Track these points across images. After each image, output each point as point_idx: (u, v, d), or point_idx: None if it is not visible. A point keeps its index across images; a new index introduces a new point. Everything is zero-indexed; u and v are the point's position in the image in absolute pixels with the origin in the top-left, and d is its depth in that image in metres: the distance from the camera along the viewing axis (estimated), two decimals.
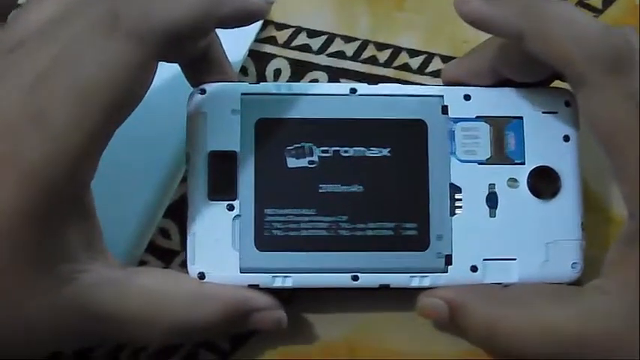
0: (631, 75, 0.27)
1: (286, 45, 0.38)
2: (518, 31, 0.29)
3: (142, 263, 0.35)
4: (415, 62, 0.38)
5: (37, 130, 0.26)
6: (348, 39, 0.39)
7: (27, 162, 0.26)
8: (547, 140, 0.32)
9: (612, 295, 0.28)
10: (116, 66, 0.26)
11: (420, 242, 0.32)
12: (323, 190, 0.31)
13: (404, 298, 0.32)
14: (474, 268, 0.31)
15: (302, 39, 0.39)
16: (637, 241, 0.28)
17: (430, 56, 0.38)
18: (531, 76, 0.31)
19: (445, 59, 0.37)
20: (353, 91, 0.32)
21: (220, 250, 0.31)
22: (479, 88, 0.32)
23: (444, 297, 0.30)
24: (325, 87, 0.33)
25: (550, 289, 0.30)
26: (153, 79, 0.28)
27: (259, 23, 0.37)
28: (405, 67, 0.38)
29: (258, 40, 0.38)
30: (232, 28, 0.30)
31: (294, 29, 0.39)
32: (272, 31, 0.38)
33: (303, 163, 0.32)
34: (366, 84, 0.32)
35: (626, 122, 0.28)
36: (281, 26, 0.38)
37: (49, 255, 0.27)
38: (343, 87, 0.32)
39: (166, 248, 0.35)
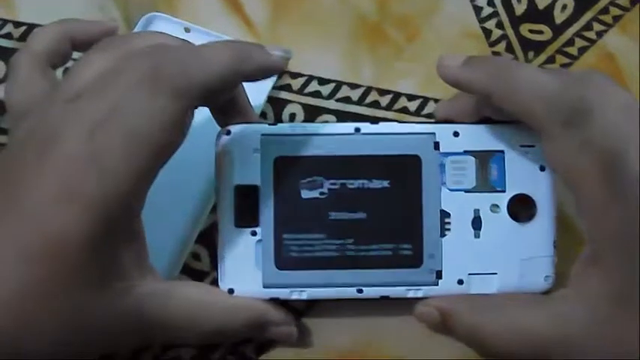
0: (585, 126, 0.29)
1: (300, 91, 0.41)
2: (488, 92, 0.32)
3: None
4: (413, 105, 0.41)
5: (96, 170, 0.28)
6: (353, 86, 0.41)
7: (88, 197, 0.28)
8: (525, 171, 0.34)
9: (575, 303, 0.30)
10: (160, 117, 0.29)
11: (415, 260, 0.34)
12: (332, 217, 0.34)
13: (403, 307, 0.34)
14: (460, 282, 0.34)
15: (314, 86, 0.41)
16: (594, 261, 0.30)
17: (426, 100, 0.40)
18: (507, 117, 0.33)
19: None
20: (357, 130, 0.34)
21: (246, 269, 0.34)
22: (466, 125, 0.34)
23: (436, 305, 0.33)
24: (333, 127, 0.35)
25: (524, 297, 0.33)
26: (190, 124, 0.30)
27: (287, 61, 0.38)
28: (404, 110, 0.41)
29: (275, 87, 0.40)
30: (255, 81, 0.32)
31: (306, 78, 0.41)
32: (287, 80, 0.41)
33: (315, 194, 0.34)
34: (368, 123, 0.34)
35: (581, 167, 0.30)
36: (295, 75, 0.41)
37: (106, 274, 0.29)
38: (349, 127, 0.34)
39: (198, 269, 0.38)
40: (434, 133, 0.34)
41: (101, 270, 0.29)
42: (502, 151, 0.34)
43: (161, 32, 0.33)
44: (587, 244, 0.31)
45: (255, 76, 0.32)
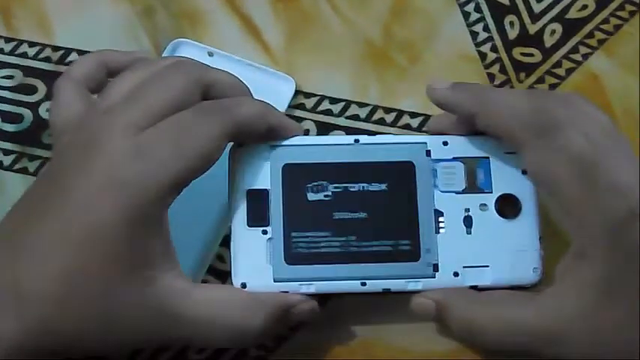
0: (555, 135, 0.32)
1: (313, 110, 0.43)
2: (471, 112, 0.34)
3: (204, 282, 0.39)
4: (415, 122, 0.43)
5: (137, 163, 0.30)
6: (361, 104, 0.43)
7: (128, 185, 0.30)
8: (509, 174, 0.35)
9: (563, 297, 0.32)
10: (210, 134, 0.32)
11: (413, 255, 0.35)
12: (336, 217, 0.35)
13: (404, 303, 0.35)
14: (456, 274, 0.35)
15: (325, 105, 0.43)
16: (579, 256, 0.32)
17: (427, 117, 0.43)
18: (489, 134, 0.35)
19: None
20: (356, 141, 0.36)
21: (257, 265, 0.34)
22: (454, 136, 0.36)
23: (432, 297, 0.34)
24: (334, 138, 0.36)
25: (516, 294, 0.34)
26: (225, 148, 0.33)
27: (292, 92, 0.42)
28: (407, 127, 0.43)
29: (291, 106, 0.43)
30: (274, 137, 0.35)
31: (319, 97, 0.43)
32: (301, 99, 0.43)
33: (320, 196, 0.35)
34: (366, 135, 0.36)
35: (556, 172, 0.32)
36: (309, 95, 0.43)
37: (137, 260, 0.31)
38: (349, 138, 0.36)
39: (222, 270, 0.39)
40: (425, 143, 0.36)
41: (133, 255, 0.30)
42: (487, 157, 0.36)
43: (187, 57, 0.36)
44: (572, 242, 0.32)
45: (276, 131, 0.35)
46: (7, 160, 0.43)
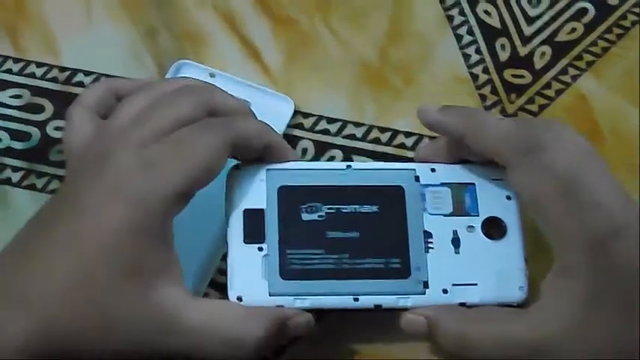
0: (541, 155, 0.33)
1: (311, 129, 0.44)
2: (461, 134, 0.35)
3: (205, 294, 0.40)
4: (409, 141, 0.44)
5: (143, 176, 0.31)
6: (357, 124, 0.44)
7: (134, 197, 0.31)
8: (495, 198, 0.37)
9: (551, 312, 0.32)
10: (214, 147, 0.33)
11: (404, 272, 0.36)
12: (329, 236, 0.36)
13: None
14: (445, 291, 0.35)
15: (323, 125, 0.44)
16: (565, 272, 0.33)
17: (421, 137, 0.43)
18: (477, 158, 0.36)
19: (432, 138, 0.41)
20: (348, 166, 0.37)
21: (253, 279, 0.35)
22: (441, 164, 0.37)
23: (423, 313, 0.35)
24: (328, 164, 0.38)
25: (505, 310, 0.35)
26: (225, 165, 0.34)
27: (291, 113, 0.43)
28: (402, 146, 0.43)
29: (290, 125, 0.43)
30: (272, 159, 0.36)
31: (316, 117, 0.44)
32: (300, 119, 0.44)
33: (314, 217, 0.36)
34: (358, 162, 0.36)
35: (541, 190, 0.33)
36: (307, 115, 0.44)
37: (141, 268, 0.31)
38: (341, 164, 0.37)
39: (223, 283, 0.36)
40: (414, 169, 0.37)
41: (137, 263, 0.31)
42: (473, 184, 0.37)
43: (191, 78, 0.38)
44: (557, 257, 0.33)
45: (273, 151, 0.36)
46: (16, 177, 0.44)
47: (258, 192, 0.36)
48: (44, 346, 0.31)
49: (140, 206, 0.31)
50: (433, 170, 0.37)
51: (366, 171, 0.37)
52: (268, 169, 0.37)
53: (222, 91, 0.37)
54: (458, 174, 0.37)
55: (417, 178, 0.37)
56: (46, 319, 0.31)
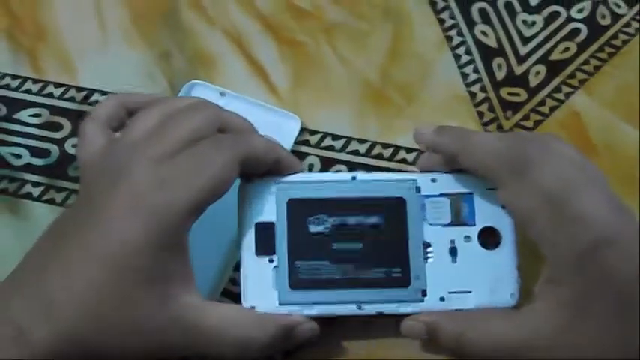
0: (528, 173, 0.34)
1: (317, 146, 0.45)
2: (454, 153, 0.37)
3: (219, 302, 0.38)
4: (411, 157, 0.44)
5: (160, 191, 0.32)
6: (361, 141, 0.45)
7: (153, 212, 0.32)
8: (490, 208, 0.38)
9: (540, 316, 0.34)
10: (224, 172, 0.34)
11: (404, 281, 0.37)
12: (335, 247, 0.37)
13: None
14: (442, 299, 0.37)
15: (328, 141, 0.45)
16: (553, 280, 0.34)
17: (421, 152, 0.44)
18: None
19: None
20: (354, 178, 0.38)
21: (264, 289, 0.37)
22: (442, 174, 0.38)
23: (423, 319, 0.37)
24: (334, 176, 0.39)
25: (499, 311, 0.36)
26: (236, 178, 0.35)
27: (297, 130, 0.44)
28: (403, 161, 0.44)
29: (296, 142, 0.44)
30: (279, 172, 0.37)
31: (322, 134, 0.45)
32: (306, 136, 0.45)
33: (320, 229, 0.37)
34: (363, 172, 0.38)
35: (529, 206, 0.34)
36: (313, 132, 0.45)
37: (160, 278, 0.33)
38: (346, 175, 0.38)
39: (235, 292, 0.39)
40: (415, 180, 0.38)
41: (156, 274, 0.33)
42: (471, 193, 0.38)
43: (199, 98, 0.38)
44: (545, 266, 0.34)
45: (281, 165, 0.37)
46: (36, 192, 0.45)
47: (268, 205, 0.38)
48: (67, 351, 0.32)
49: (157, 220, 0.32)
50: (434, 181, 0.38)
51: (370, 182, 0.38)
52: (277, 182, 0.38)
53: (229, 110, 0.38)
54: (457, 183, 0.38)
55: (418, 189, 0.38)
56: (70, 328, 0.32)
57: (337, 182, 0.38)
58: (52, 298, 0.32)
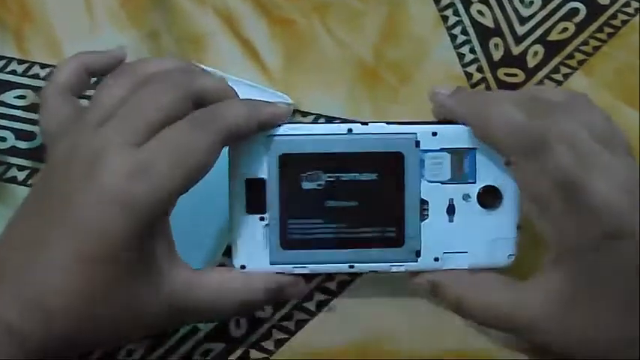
0: (544, 156, 0.33)
1: None
2: (466, 122, 0.36)
3: (221, 264, 0.40)
4: None
5: (139, 180, 0.31)
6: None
7: (133, 201, 0.31)
8: (493, 165, 0.36)
9: (536, 295, 0.34)
10: (205, 147, 0.33)
11: (398, 241, 0.36)
12: (328, 205, 0.36)
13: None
14: (436, 259, 0.36)
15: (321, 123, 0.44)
16: (555, 264, 0.34)
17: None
18: None
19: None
20: (350, 130, 0.36)
21: (255, 249, 0.36)
22: (444, 126, 0.36)
23: (427, 278, 0.37)
24: (328, 127, 0.37)
25: (501, 279, 0.36)
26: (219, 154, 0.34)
27: (290, 111, 0.40)
28: None
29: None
30: (268, 129, 0.36)
31: (315, 116, 0.45)
32: (299, 117, 0.44)
33: (314, 185, 0.36)
34: (359, 124, 0.36)
35: (542, 190, 0.33)
36: (305, 114, 0.45)
37: (146, 266, 0.33)
38: (342, 127, 0.36)
39: None
40: (415, 133, 0.36)
41: (142, 262, 0.32)
42: (474, 149, 0.36)
43: (170, 59, 0.37)
44: (550, 248, 0.34)
45: (267, 124, 0.36)
46: (22, 176, 0.44)
47: (258, 161, 0.36)
48: (59, 351, 0.32)
49: (138, 212, 0.32)
50: (434, 134, 0.37)
51: (367, 136, 0.37)
52: (268, 136, 0.36)
53: (202, 71, 0.36)
54: (459, 138, 0.37)
55: (417, 144, 0.37)
56: (61, 327, 0.32)
57: (332, 136, 0.37)
58: (39, 299, 0.31)
